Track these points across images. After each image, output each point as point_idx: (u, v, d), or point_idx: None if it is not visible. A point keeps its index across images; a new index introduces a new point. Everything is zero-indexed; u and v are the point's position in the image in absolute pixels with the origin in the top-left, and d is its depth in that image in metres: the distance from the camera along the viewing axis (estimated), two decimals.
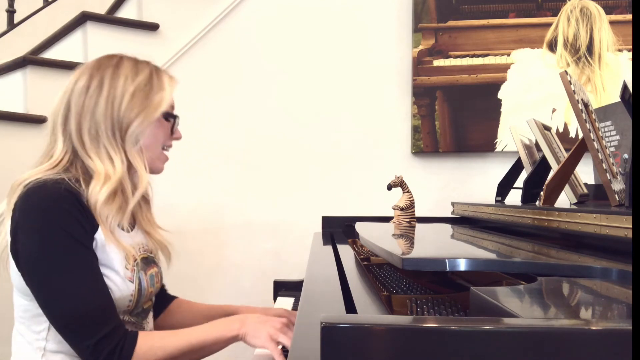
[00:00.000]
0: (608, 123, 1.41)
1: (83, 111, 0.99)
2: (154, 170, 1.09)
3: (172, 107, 1.10)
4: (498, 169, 1.84)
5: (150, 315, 1.10)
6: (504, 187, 1.59)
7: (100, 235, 0.94)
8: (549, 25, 2.23)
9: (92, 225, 0.93)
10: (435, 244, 1.08)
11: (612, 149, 1.37)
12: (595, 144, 0.99)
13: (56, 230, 0.88)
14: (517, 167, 1.59)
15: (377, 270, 1.08)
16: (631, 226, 0.77)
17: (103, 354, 0.85)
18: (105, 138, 0.98)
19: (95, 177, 0.95)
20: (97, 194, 0.93)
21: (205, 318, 1.13)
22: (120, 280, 0.96)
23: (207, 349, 0.93)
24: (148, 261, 1.07)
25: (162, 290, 1.21)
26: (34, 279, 0.89)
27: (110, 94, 0.99)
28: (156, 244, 1.11)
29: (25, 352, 0.95)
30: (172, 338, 0.92)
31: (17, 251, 0.90)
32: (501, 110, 2.24)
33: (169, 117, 1.07)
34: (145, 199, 1.13)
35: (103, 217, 0.94)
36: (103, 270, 0.94)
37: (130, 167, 1.00)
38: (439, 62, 2.25)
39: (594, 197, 1.40)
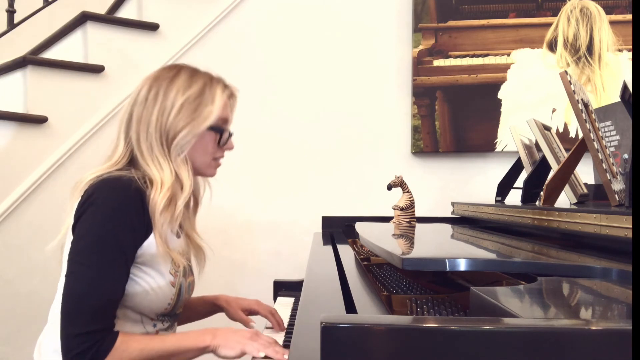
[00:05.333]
0: (608, 123, 1.41)
1: (141, 122, 1.04)
2: (206, 175, 1.17)
3: (225, 120, 1.11)
4: (498, 169, 1.84)
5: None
6: (504, 187, 1.59)
7: (152, 240, 0.99)
8: (549, 25, 2.23)
9: (147, 229, 0.98)
10: (435, 244, 1.08)
11: (612, 149, 1.37)
12: (595, 144, 0.99)
13: (110, 232, 0.94)
14: (517, 167, 1.59)
15: (377, 270, 1.08)
16: (631, 226, 0.77)
17: (79, 348, 0.89)
18: (157, 148, 1.03)
19: (154, 186, 1.00)
20: (155, 203, 0.98)
21: (189, 309, 1.25)
22: (164, 283, 1.02)
23: (180, 355, 0.97)
24: (188, 269, 1.13)
25: None
26: (74, 247, 0.95)
27: (162, 105, 1.04)
28: (194, 248, 1.17)
29: None
30: (149, 341, 0.95)
31: (77, 221, 0.96)
32: (501, 110, 2.24)
33: (217, 130, 1.09)
34: (195, 203, 1.21)
35: (159, 225, 0.99)
36: (150, 272, 1.00)
37: (177, 176, 1.05)
38: (439, 62, 2.25)
39: (594, 197, 1.40)
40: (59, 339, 0.98)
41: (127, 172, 1.00)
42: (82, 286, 0.92)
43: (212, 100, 1.06)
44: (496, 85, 2.24)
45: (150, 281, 1.00)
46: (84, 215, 0.95)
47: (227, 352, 0.96)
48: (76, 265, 0.93)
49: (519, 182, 1.47)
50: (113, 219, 0.94)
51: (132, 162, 1.05)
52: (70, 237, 0.98)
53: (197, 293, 1.36)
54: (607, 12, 2.21)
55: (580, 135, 1.03)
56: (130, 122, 1.06)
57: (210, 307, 1.30)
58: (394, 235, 1.22)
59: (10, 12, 2.46)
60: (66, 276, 0.94)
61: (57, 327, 0.99)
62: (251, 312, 1.29)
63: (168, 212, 1.00)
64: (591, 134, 0.99)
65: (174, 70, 1.08)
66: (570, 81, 1.01)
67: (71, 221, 0.98)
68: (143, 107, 1.05)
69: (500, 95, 2.24)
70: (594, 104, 2.01)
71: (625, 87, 0.96)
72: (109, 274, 0.93)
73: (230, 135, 1.13)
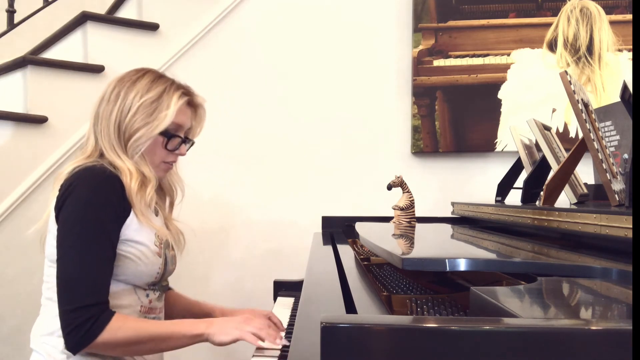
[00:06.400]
0: (608, 123, 1.41)
1: (103, 117, 1.12)
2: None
3: (179, 126, 1.16)
4: (498, 169, 1.84)
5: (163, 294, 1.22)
6: (504, 187, 1.58)
7: (133, 217, 1.07)
8: (549, 25, 2.23)
9: (126, 208, 1.06)
10: (435, 244, 1.08)
11: (612, 149, 1.37)
12: (595, 144, 0.99)
13: (93, 213, 1.01)
14: (517, 167, 1.59)
15: (377, 270, 1.08)
16: (631, 226, 0.77)
17: (75, 322, 0.94)
18: (116, 143, 1.11)
19: (122, 173, 1.07)
20: (129, 186, 1.06)
21: (184, 310, 1.29)
22: (151, 253, 1.09)
23: (173, 341, 1.01)
24: (168, 244, 1.20)
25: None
26: (61, 233, 1.02)
27: (121, 105, 1.11)
28: (173, 232, 1.23)
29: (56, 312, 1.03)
30: (144, 323, 1.01)
31: (60, 209, 1.02)
32: (501, 110, 2.24)
33: (168, 135, 1.14)
34: (171, 204, 1.27)
35: (137, 203, 1.07)
36: (137, 245, 1.07)
37: (140, 171, 1.13)
38: (439, 62, 2.25)
39: (594, 197, 1.40)
40: (47, 323, 1.05)
41: (96, 162, 1.08)
42: (72, 266, 0.98)
43: (167, 106, 1.12)
44: (496, 85, 2.24)
45: (139, 254, 1.07)
46: (66, 203, 1.01)
47: (222, 337, 1.00)
48: (65, 249, 0.99)
49: (519, 182, 1.47)
50: (94, 202, 1.01)
51: (101, 155, 1.12)
52: (53, 227, 1.04)
53: (198, 292, 1.37)
54: (607, 12, 2.21)
55: (580, 135, 1.03)
56: (96, 119, 1.13)
57: (206, 316, 1.31)
58: (394, 235, 1.22)
59: (10, 12, 2.46)
60: (57, 260, 1.00)
61: (46, 313, 1.07)
62: None
63: (141, 194, 1.08)
64: (591, 134, 0.99)
65: (139, 74, 1.14)
66: (570, 81, 1.01)
67: (52, 211, 1.05)
68: (105, 105, 1.12)
69: (500, 95, 2.24)
70: (594, 104, 2.01)
71: (625, 87, 0.96)
72: (96, 253, 0.99)
73: (183, 141, 1.18)
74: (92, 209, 1.01)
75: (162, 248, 1.13)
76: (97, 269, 0.99)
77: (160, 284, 1.16)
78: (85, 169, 1.05)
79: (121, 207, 1.05)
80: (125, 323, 0.97)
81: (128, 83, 1.12)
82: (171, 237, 1.20)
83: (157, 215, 1.20)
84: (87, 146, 1.14)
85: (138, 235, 1.07)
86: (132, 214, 1.07)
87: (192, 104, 1.20)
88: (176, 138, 1.16)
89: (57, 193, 1.05)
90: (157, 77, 1.15)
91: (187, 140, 1.20)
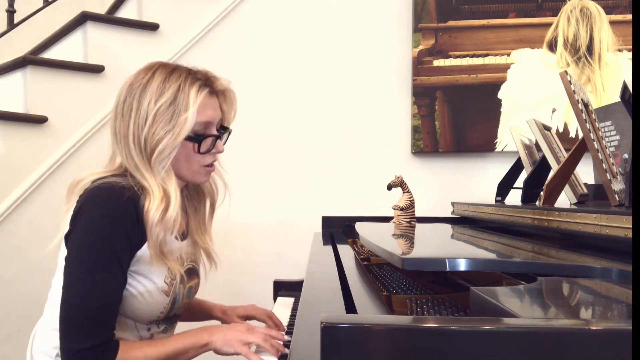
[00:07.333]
0: (608, 123, 1.41)
1: (121, 135, 1.01)
2: (196, 182, 1.10)
3: (207, 124, 1.03)
4: (498, 169, 1.84)
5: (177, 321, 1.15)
6: (504, 187, 1.58)
7: (146, 249, 0.97)
8: (549, 25, 2.23)
9: (141, 237, 0.96)
10: (435, 244, 1.08)
11: (612, 149, 1.37)
12: (595, 144, 0.99)
13: (106, 240, 0.92)
14: (517, 167, 1.59)
15: (377, 270, 1.08)
16: (631, 226, 0.77)
17: None
18: (139, 162, 0.99)
19: (147, 196, 0.97)
20: (150, 213, 0.95)
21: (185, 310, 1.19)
22: (156, 291, 1.00)
23: (181, 356, 0.98)
24: (191, 272, 1.12)
25: None
26: (70, 259, 0.94)
27: (136, 118, 0.98)
28: (203, 250, 1.16)
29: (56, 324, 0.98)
30: (150, 348, 0.96)
31: (71, 232, 0.95)
32: (501, 110, 2.24)
33: (196, 139, 1.01)
34: (211, 207, 1.17)
35: (153, 236, 0.96)
36: (143, 280, 0.99)
37: (165, 189, 1.00)
38: (439, 62, 2.25)
39: (594, 197, 1.40)
40: (47, 338, 1.00)
41: (122, 179, 0.97)
42: (78, 299, 0.91)
43: (185, 107, 0.97)
44: (496, 85, 2.24)
45: (142, 290, 0.98)
46: (77, 226, 0.93)
47: (225, 349, 0.99)
48: (72, 278, 0.93)
49: (519, 182, 1.47)
50: (106, 228, 0.92)
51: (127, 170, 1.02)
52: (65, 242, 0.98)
53: (198, 292, 1.36)
54: (607, 12, 2.21)
55: (580, 135, 1.03)
56: (114, 136, 1.03)
57: (207, 316, 1.30)
58: (394, 235, 1.22)
59: (10, 12, 2.46)
60: (63, 288, 0.94)
61: (46, 325, 1.02)
62: (248, 318, 1.28)
63: (161, 225, 0.97)
64: (591, 134, 0.99)
65: (149, 74, 1.00)
66: (570, 81, 1.01)
67: (67, 225, 0.97)
68: (120, 120, 1.01)
69: (500, 95, 2.24)
70: (594, 104, 2.01)
71: (625, 87, 0.96)
72: (105, 284, 0.92)
73: (217, 138, 1.05)
74: (102, 234, 0.92)
75: (172, 285, 1.02)
76: (104, 301, 0.92)
77: (166, 319, 1.07)
78: (102, 187, 0.95)
79: (135, 237, 0.95)
80: (131, 354, 0.92)
81: (139, 89, 0.99)
82: (192, 260, 1.12)
83: (184, 238, 1.10)
84: (115, 161, 1.03)
85: (147, 269, 0.98)
86: (145, 246, 0.96)
87: (215, 91, 1.05)
88: (207, 138, 1.02)
89: (74, 204, 0.97)
90: (169, 73, 1.00)
91: (221, 132, 1.07)
